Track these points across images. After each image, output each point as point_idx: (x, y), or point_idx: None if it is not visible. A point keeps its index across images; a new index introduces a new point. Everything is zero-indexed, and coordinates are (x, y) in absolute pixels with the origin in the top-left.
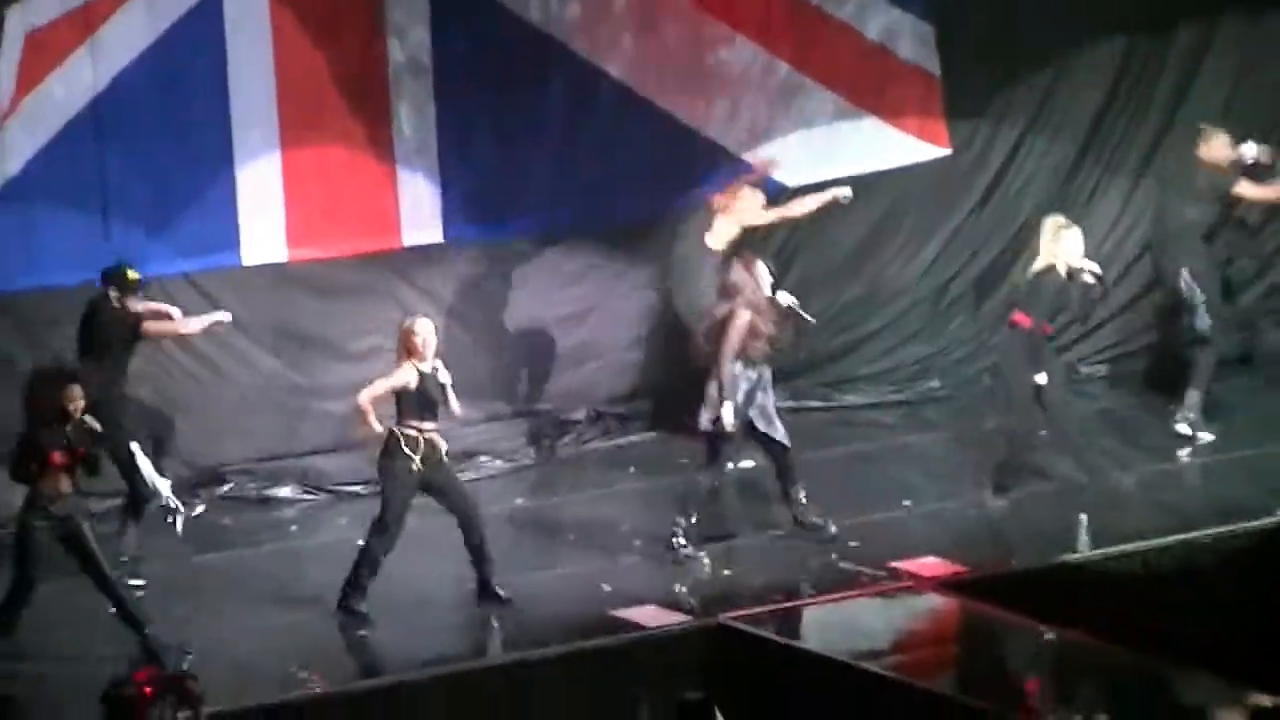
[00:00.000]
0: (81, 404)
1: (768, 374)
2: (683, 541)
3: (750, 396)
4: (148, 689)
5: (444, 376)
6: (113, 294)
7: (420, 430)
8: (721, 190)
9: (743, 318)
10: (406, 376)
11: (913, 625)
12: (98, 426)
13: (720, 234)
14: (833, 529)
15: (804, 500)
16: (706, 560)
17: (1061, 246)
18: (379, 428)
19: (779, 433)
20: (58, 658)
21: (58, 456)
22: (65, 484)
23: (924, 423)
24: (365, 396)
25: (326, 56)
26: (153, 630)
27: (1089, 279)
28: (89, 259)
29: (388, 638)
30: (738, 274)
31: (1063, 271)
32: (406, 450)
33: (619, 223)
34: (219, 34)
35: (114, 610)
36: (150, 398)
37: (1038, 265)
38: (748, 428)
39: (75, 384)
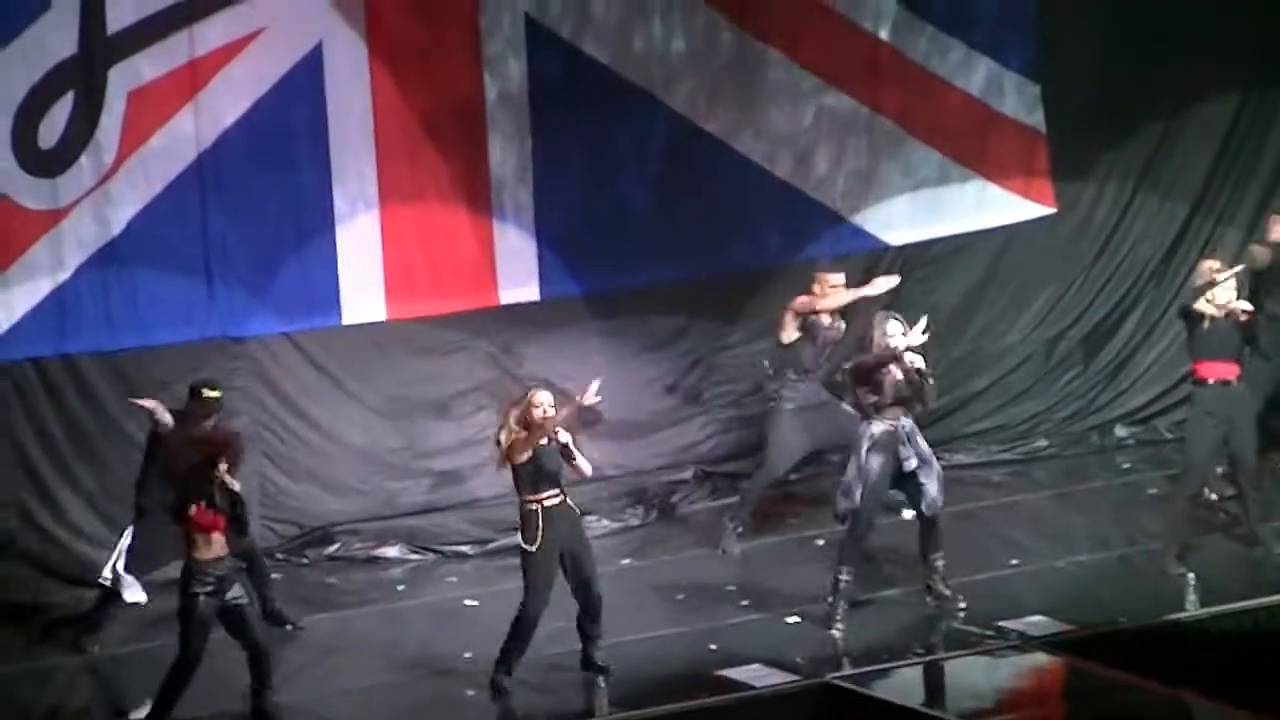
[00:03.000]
0: (224, 464)
1: (909, 426)
2: (836, 601)
3: (887, 450)
4: None
5: (564, 437)
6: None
7: (541, 501)
8: (808, 279)
9: (892, 373)
10: (520, 454)
11: (1020, 684)
12: (237, 486)
13: (790, 330)
14: (962, 603)
15: (941, 568)
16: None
17: (1216, 291)
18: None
19: (935, 504)
20: None
21: (209, 518)
22: (220, 547)
23: (1032, 481)
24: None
25: (424, 108)
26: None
27: (1243, 317)
28: (192, 318)
29: (495, 699)
30: (879, 332)
31: (1219, 312)
32: (536, 528)
33: (722, 276)
34: (319, 88)
35: (254, 671)
36: (257, 460)
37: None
38: (894, 483)
39: (217, 445)
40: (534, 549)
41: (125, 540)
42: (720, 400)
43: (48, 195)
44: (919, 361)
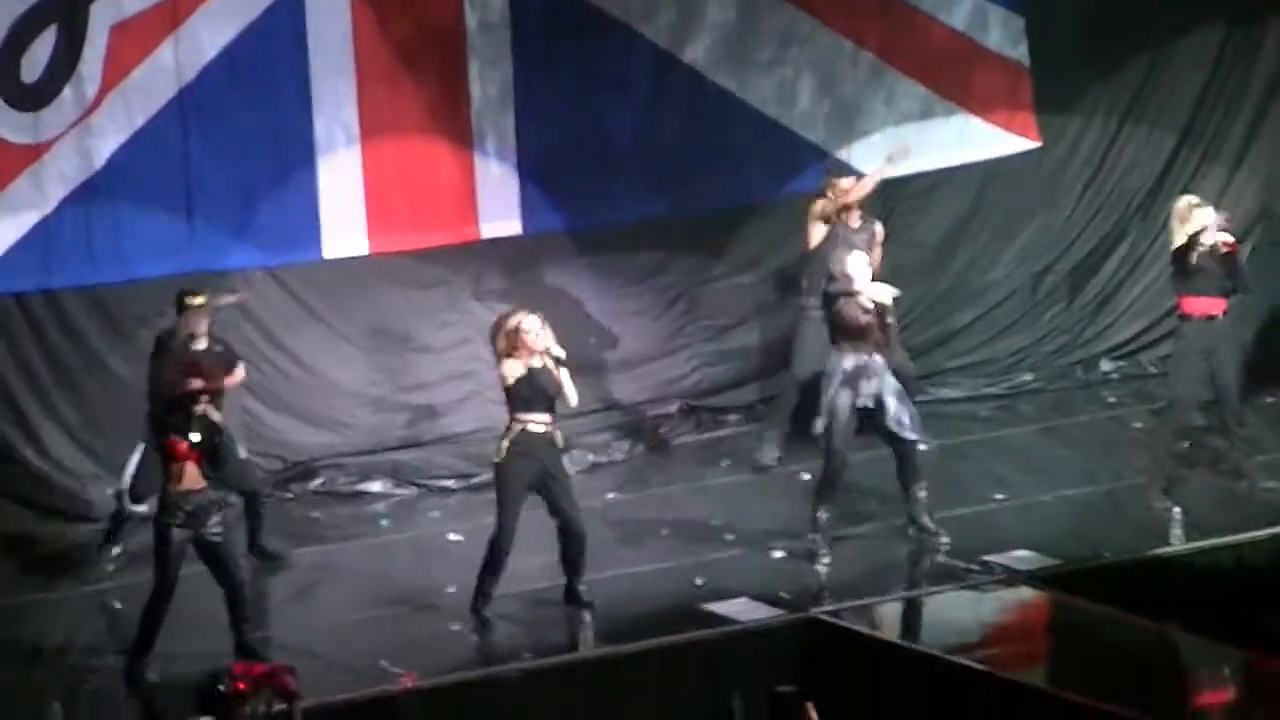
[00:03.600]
0: (204, 394)
1: (877, 364)
2: (818, 538)
3: (853, 386)
4: (243, 682)
5: (557, 356)
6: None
7: (528, 424)
8: (817, 191)
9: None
10: (513, 372)
11: (1005, 619)
12: (217, 417)
13: (817, 233)
14: (945, 539)
15: (924, 499)
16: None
17: (1194, 224)
18: None
19: (903, 428)
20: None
21: (184, 448)
22: (195, 479)
23: (1017, 416)
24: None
25: (404, 41)
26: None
27: (1225, 249)
28: (173, 252)
29: (478, 632)
30: (841, 264)
31: (1204, 243)
32: (519, 446)
33: (705, 211)
34: (300, 20)
35: (229, 607)
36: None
37: (1175, 246)
38: (866, 419)
39: (198, 375)
40: (501, 460)
41: (133, 461)
42: (704, 334)
43: (30, 129)
44: (884, 299)
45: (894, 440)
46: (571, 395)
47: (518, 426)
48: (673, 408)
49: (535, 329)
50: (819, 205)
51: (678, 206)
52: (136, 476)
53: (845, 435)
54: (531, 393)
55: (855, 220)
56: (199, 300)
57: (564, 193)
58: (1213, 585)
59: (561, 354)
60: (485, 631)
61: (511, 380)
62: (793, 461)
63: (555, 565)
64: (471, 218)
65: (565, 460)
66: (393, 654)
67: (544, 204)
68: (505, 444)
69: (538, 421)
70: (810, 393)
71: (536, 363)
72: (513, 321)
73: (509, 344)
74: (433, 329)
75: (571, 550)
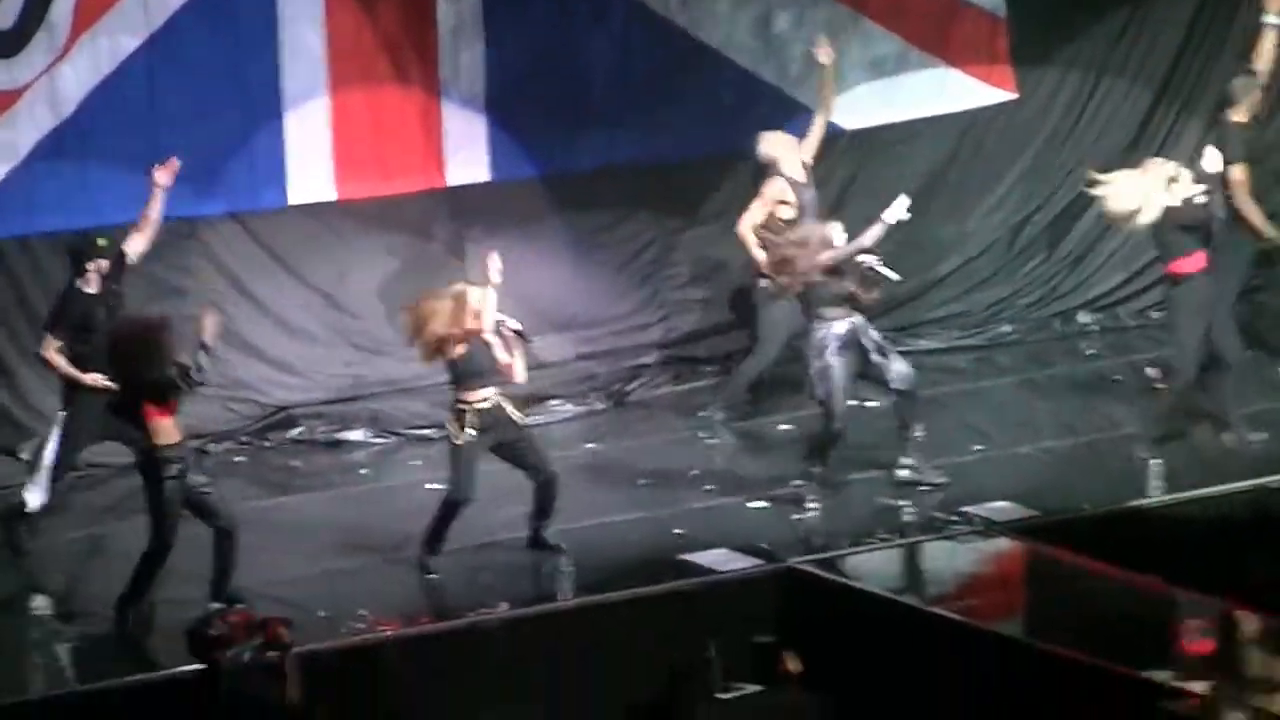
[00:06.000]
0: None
1: (860, 321)
2: (807, 486)
3: (847, 350)
4: (236, 628)
5: (503, 333)
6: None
7: (471, 402)
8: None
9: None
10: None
11: (982, 570)
12: (192, 370)
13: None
14: (942, 479)
15: (917, 436)
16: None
17: (1182, 187)
18: None
19: (895, 375)
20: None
21: (161, 407)
22: (179, 431)
23: (995, 367)
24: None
25: None
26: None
27: (1202, 198)
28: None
29: (455, 581)
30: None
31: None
32: (461, 424)
33: (677, 159)
34: None
35: (218, 555)
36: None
37: (1153, 216)
38: (860, 374)
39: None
40: (459, 442)
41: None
42: (675, 283)
43: (3, 76)
44: (898, 215)
45: (893, 392)
46: (521, 372)
47: (463, 407)
48: (651, 358)
49: (483, 305)
50: (749, 217)
51: (647, 153)
52: (58, 463)
53: (845, 399)
54: (469, 370)
55: (801, 175)
56: (104, 240)
57: (533, 137)
58: (1193, 537)
59: (517, 326)
60: (462, 581)
61: (454, 356)
62: (775, 412)
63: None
64: (438, 164)
65: (515, 413)
66: (373, 603)
67: (512, 149)
68: (458, 426)
69: (481, 400)
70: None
71: (472, 340)
72: (458, 290)
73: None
74: (403, 277)
75: (545, 496)
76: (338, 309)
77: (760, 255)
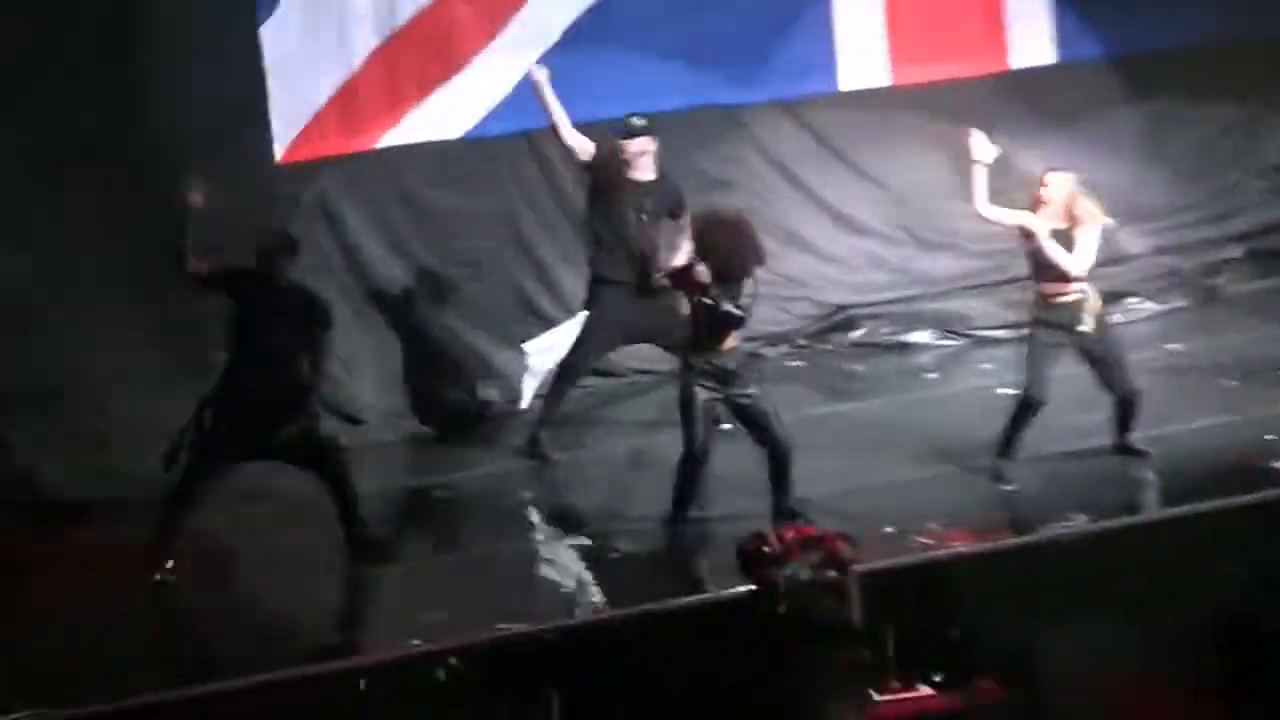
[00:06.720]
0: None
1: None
2: None
3: None
4: (791, 545)
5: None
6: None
7: (1051, 296)
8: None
9: None
10: (1026, 221)
11: None
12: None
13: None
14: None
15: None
16: None
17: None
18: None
19: None
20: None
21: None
22: (731, 341)
23: None
24: (984, 209)
25: None
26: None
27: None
28: (679, 88)
29: (1031, 492)
30: None
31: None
32: (1050, 316)
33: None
34: None
35: (771, 470)
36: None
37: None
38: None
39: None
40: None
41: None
42: (1260, 170)
43: None
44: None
45: None
46: (1073, 263)
47: (1048, 299)
48: (1235, 252)
49: (1055, 188)
50: None
51: (1239, 26)
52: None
53: None
54: (1042, 259)
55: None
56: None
57: (1100, 15)
58: None
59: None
60: (1038, 492)
61: (1028, 234)
62: None
63: (1105, 424)
64: (1000, 45)
65: (1091, 316)
66: (942, 516)
67: (1081, 27)
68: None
69: (1057, 294)
70: None
71: (1060, 226)
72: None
73: (1033, 199)
74: (962, 168)
75: (1127, 406)
76: (896, 201)
77: None
